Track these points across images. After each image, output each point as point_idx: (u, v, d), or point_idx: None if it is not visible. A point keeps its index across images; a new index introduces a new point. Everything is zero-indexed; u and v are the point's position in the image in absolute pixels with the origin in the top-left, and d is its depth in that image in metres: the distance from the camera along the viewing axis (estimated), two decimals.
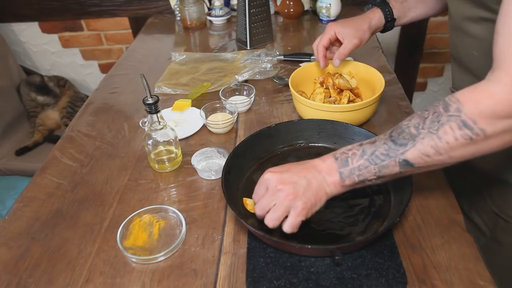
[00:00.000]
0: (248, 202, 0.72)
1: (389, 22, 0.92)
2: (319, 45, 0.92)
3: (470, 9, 0.66)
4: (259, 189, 0.63)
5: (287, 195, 0.59)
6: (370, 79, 0.96)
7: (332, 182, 0.60)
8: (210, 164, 0.86)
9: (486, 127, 0.50)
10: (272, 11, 1.60)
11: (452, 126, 0.51)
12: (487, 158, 0.77)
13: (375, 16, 0.91)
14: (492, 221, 0.81)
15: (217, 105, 1.00)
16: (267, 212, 0.61)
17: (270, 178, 0.60)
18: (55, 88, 1.91)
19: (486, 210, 0.82)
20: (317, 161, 0.61)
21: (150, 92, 0.77)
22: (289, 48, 1.38)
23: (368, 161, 0.57)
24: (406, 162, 0.55)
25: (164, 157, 0.85)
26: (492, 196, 0.80)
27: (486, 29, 0.65)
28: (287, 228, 0.60)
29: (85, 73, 2.14)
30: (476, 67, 0.71)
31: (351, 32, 0.89)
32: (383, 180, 0.60)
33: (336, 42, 0.94)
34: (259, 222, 0.70)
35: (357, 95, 0.95)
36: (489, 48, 0.66)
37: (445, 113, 0.52)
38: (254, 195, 0.64)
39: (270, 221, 0.60)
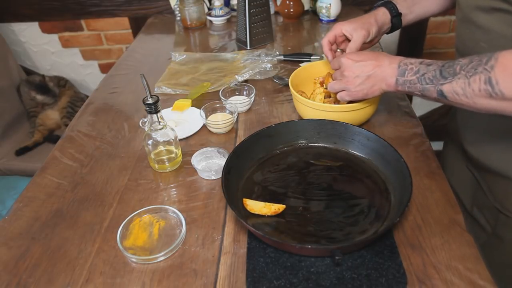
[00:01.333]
0: (248, 203, 0.72)
1: (395, 17, 0.91)
2: (324, 40, 0.91)
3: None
4: (335, 63, 0.82)
5: (347, 81, 0.78)
6: None
7: (389, 84, 0.73)
8: (210, 164, 0.86)
9: (505, 91, 0.56)
10: (272, 11, 1.60)
11: (481, 78, 0.57)
12: (489, 153, 0.78)
13: (380, 12, 0.90)
14: (493, 217, 0.81)
15: (217, 105, 1.00)
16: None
17: (344, 62, 0.78)
18: (55, 88, 1.91)
19: (488, 206, 0.82)
20: (386, 62, 0.73)
21: (150, 92, 0.77)
22: (289, 48, 1.38)
23: (417, 80, 0.67)
24: (441, 93, 0.64)
25: (164, 157, 0.85)
26: (493, 192, 0.80)
27: (496, 20, 0.65)
28: (333, 90, 0.82)
29: (85, 73, 2.14)
30: None
31: (357, 25, 0.88)
32: (427, 99, 0.68)
33: (345, 41, 0.92)
34: (259, 222, 0.71)
35: None
36: (498, 39, 0.66)
37: (483, 65, 0.58)
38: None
39: (330, 87, 0.83)
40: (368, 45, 0.93)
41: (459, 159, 0.91)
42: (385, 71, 0.72)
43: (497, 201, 0.80)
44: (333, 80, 0.83)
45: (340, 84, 0.79)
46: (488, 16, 0.67)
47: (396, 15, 0.90)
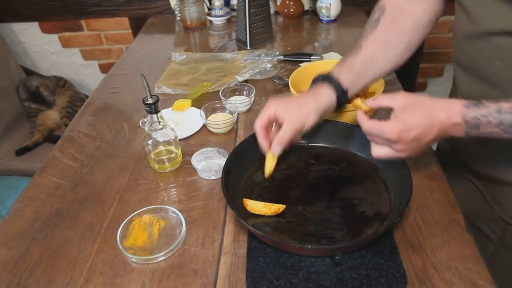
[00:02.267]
0: (248, 203, 0.72)
1: (343, 95, 0.74)
2: (256, 125, 0.72)
3: (504, 22, 0.59)
4: (370, 129, 0.65)
5: (401, 152, 0.62)
6: None
7: (456, 134, 0.61)
8: (210, 164, 0.86)
9: None
10: (272, 11, 1.60)
11: None
12: (495, 164, 0.74)
13: (323, 93, 0.73)
14: (500, 229, 0.78)
15: (217, 105, 1.00)
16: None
17: (391, 137, 0.61)
18: (50, 96, 1.91)
19: (494, 218, 0.78)
20: (443, 117, 0.59)
21: (150, 92, 0.77)
22: (289, 48, 1.38)
23: (503, 131, 0.57)
24: None
25: (164, 157, 0.85)
26: (501, 204, 0.77)
27: None
28: (376, 155, 0.66)
29: (85, 73, 2.14)
30: (497, 77, 0.65)
31: (293, 112, 0.70)
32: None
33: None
34: (259, 222, 0.70)
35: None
36: None
37: None
38: (381, 126, 0.63)
39: (376, 155, 0.66)
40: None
41: (459, 170, 0.87)
42: (447, 128, 0.60)
43: (505, 213, 0.76)
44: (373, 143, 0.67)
45: (392, 154, 0.64)
46: (507, 37, 0.60)
47: (342, 92, 0.74)
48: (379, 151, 0.65)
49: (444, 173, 0.81)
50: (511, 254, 0.77)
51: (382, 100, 0.65)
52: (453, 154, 0.88)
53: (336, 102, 0.74)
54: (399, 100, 0.63)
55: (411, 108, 0.61)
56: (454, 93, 0.81)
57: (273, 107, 0.71)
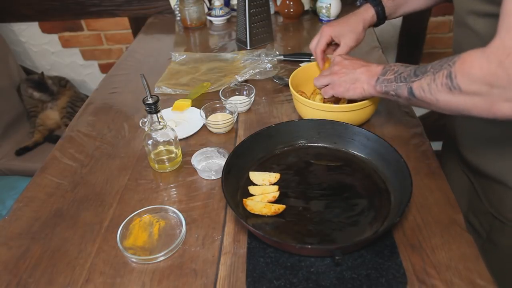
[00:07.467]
0: (248, 203, 0.72)
1: (380, 20, 0.94)
2: (317, 49, 0.94)
3: (476, 3, 0.65)
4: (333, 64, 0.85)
5: (334, 72, 0.81)
6: None
7: (370, 83, 0.75)
8: (210, 164, 0.86)
9: (461, 84, 0.57)
10: (272, 11, 1.60)
11: (444, 73, 0.59)
12: (485, 159, 0.77)
13: (369, 16, 0.93)
14: (488, 223, 0.81)
15: (217, 105, 1.00)
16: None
17: (336, 58, 0.84)
18: (53, 86, 1.90)
19: (483, 212, 0.81)
20: (374, 64, 0.77)
21: (150, 92, 0.77)
22: (289, 48, 1.38)
23: (394, 78, 0.69)
24: (411, 90, 0.65)
25: (164, 157, 0.85)
26: (489, 198, 0.80)
27: (493, 25, 0.62)
28: (319, 84, 0.86)
29: (85, 73, 2.14)
30: None
31: (347, 34, 0.91)
32: (399, 100, 0.71)
33: (332, 44, 0.97)
34: (259, 222, 0.70)
35: None
36: None
37: (448, 61, 0.59)
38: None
39: (316, 81, 0.86)
40: None
41: (456, 162, 0.91)
42: (371, 70, 0.75)
43: (492, 207, 0.79)
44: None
45: (326, 77, 0.82)
46: (483, 20, 0.66)
47: (382, 18, 0.93)
48: (319, 77, 0.85)
49: (443, 165, 0.84)
50: (496, 249, 0.81)
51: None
52: (453, 147, 0.90)
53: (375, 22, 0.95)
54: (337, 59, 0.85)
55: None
56: None
57: (329, 34, 0.92)
